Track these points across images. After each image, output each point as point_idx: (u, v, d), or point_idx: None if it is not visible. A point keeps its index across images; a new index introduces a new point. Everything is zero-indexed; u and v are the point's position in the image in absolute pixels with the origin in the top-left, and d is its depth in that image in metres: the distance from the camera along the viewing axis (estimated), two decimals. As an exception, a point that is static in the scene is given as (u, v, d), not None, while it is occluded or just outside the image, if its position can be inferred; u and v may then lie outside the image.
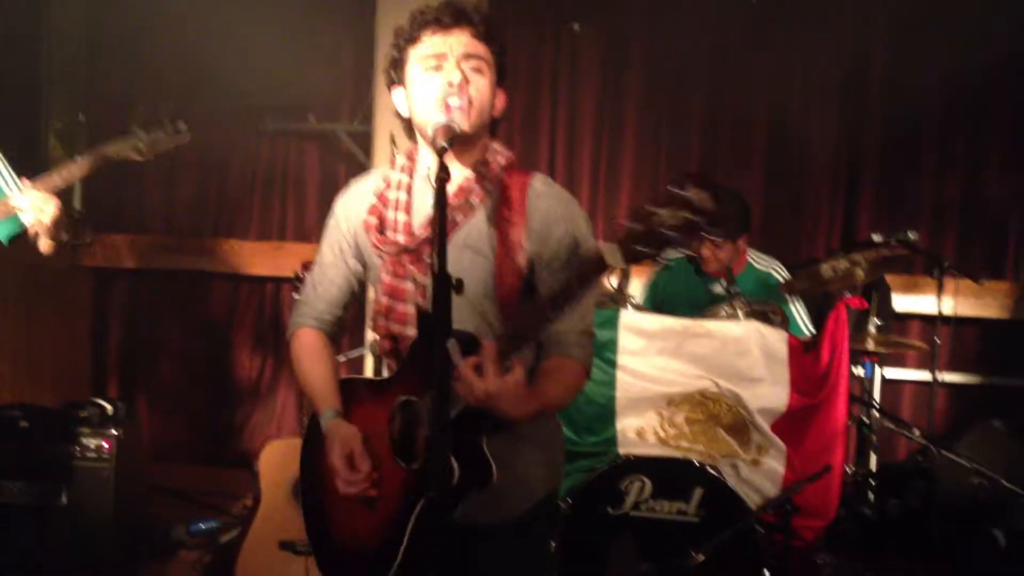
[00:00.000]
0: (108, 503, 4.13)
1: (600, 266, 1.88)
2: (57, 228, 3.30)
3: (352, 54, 5.82)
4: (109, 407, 4.35)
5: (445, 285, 1.81)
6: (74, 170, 3.39)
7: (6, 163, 3.42)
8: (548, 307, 1.96)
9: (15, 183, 3.37)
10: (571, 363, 2.22)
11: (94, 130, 5.54)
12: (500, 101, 2.27)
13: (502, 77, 2.26)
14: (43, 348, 5.45)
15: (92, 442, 4.15)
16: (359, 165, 5.65)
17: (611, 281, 4.12)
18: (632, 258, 1.82)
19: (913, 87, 5.39)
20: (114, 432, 4.17)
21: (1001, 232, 5.51)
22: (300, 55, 5.75)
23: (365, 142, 5.53)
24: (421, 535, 2.08)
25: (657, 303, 4.61)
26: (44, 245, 3.35)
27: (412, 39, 2.20)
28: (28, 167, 3.50)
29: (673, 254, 4.52)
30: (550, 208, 2.22)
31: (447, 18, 2.16)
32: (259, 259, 5.97)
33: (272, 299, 6.08)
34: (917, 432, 4.41)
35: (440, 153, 1.98)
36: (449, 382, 1.91)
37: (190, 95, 5.76)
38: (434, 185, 1.91)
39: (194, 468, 5.78)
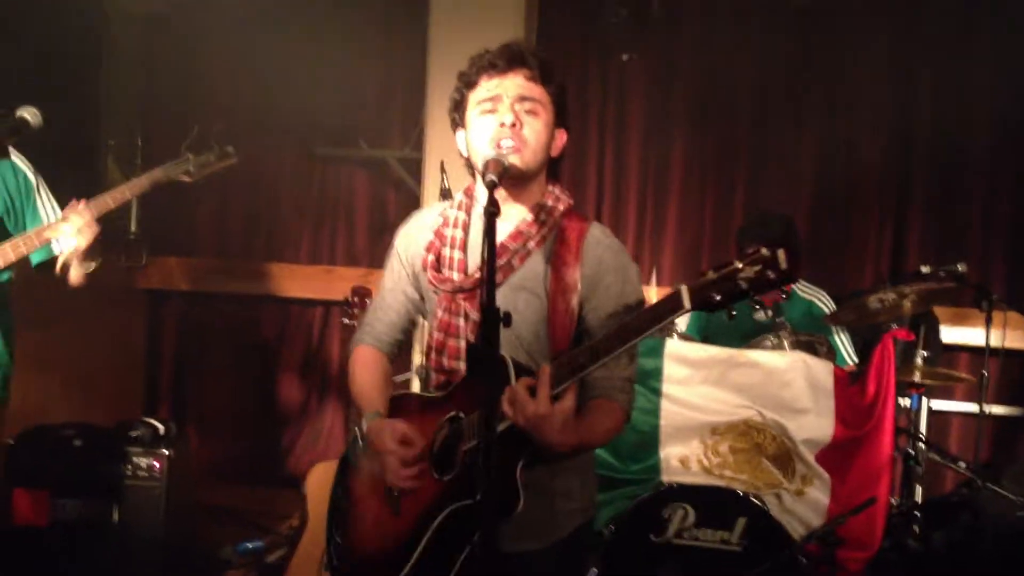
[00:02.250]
0: (158, 522, 4.19)
1: (672, 308, 1.92)
2: (89, 255, 3.29)
3: (404, 81, 5.89)
4: (161, 427, 4.41)
5: (493, 319, 1.85)
6: (126, 192, 3.43)
7: (48, 191, 3.43)
8: (611, 342, 2.00)
9: (54, 211, 3.38)
10: (614, 406, 2.26)
11: (150, 151, 5.65)
12: (560, 140, 2.32)
13: (562, 117, 2.31)
14: (97, 368, 5.54)
15: (144, 461, 4.22)
16: (409, 192, 5.73)
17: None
18: (703, 305, 1.88)
19: (961, 116, 5.39)
20: (165, 452, 4.24)
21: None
22: (352, 82, 5.85)
23: (415, 169, 5.59)
24: (438, 548, 2.14)
25: (702, 330, 4.62)
26: (75, 275, 3.33)
27: (471, 83, 2.27)
28: (85, 187, 3.57)
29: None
30: (604, 256, 2.27)
31: (502, 62, 2.23)
32: (310, 283, 6.05)
33: (322, 323, 6.15)
34: (963, 465, 4.37)
35: (490, 187, 2.02)
36: (498, 405, 1.95)
37: (243, 120, 5.85)
38: (484, 218, 1.95)
39: (242, 488, 5.84)
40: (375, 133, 5.98)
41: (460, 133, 2.34)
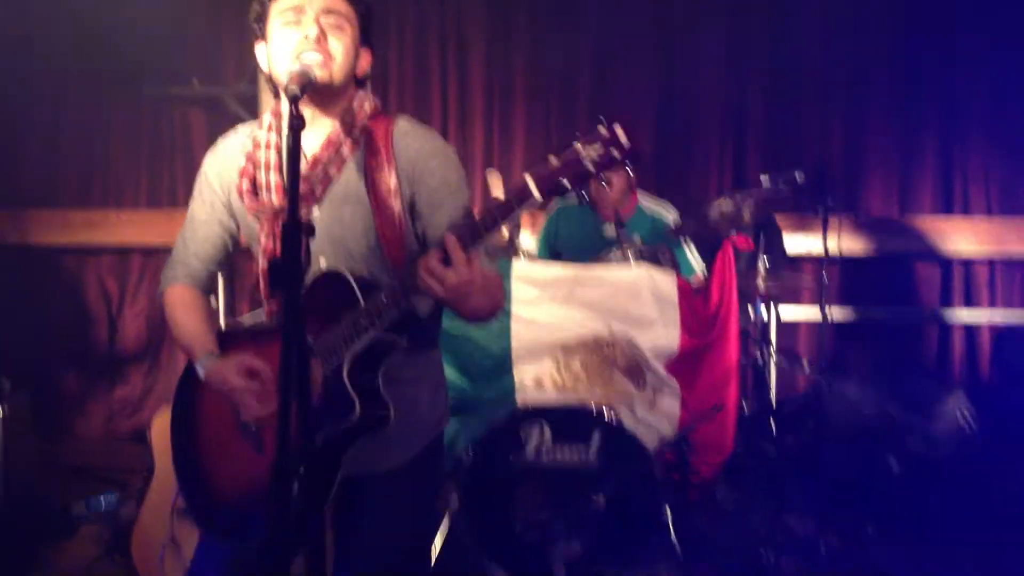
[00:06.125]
0: (-5, 484, 4.03)
1: (520, 198, 1.86)
2: None
3: (233, 15, 5.69)
4: (-7, 385, 4.22)
5: (295, 231, 1.75)
6: None
7: None
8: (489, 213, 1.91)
9: None
10: None
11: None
12: (365, 61, 2.24)
13: (367, 36, 2.22)
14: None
15: (-24, 422, 4.03)
16: (247, 127, 5.55)
17: (503, 232, 4.12)
18: (553, 191, 1.83)
19: (795, 30, 5.49)
20: (-1, 411, 4.06)
21: (886, 170, 5.64)
22: (179, 17, 5.64)
23: (251, 104, 5.43)
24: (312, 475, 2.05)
25: (552, 249, 4.62)
26: None
27: None
28: None
29: (570, 199, 4.50)
30: (419, 145, 2.21)
31: None
32: (150, 228, 5.85)
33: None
34: (808, 367, 4.50)
35: (292, 100, 1.91)
36: (303, 330, 1.87)
37: (68, 59, 5.61)
38: (288, 132, 1.85)
39: (92, 444, 5.71)
40: (208, 70, 5.78)
41: (261, 46, 2.23)
